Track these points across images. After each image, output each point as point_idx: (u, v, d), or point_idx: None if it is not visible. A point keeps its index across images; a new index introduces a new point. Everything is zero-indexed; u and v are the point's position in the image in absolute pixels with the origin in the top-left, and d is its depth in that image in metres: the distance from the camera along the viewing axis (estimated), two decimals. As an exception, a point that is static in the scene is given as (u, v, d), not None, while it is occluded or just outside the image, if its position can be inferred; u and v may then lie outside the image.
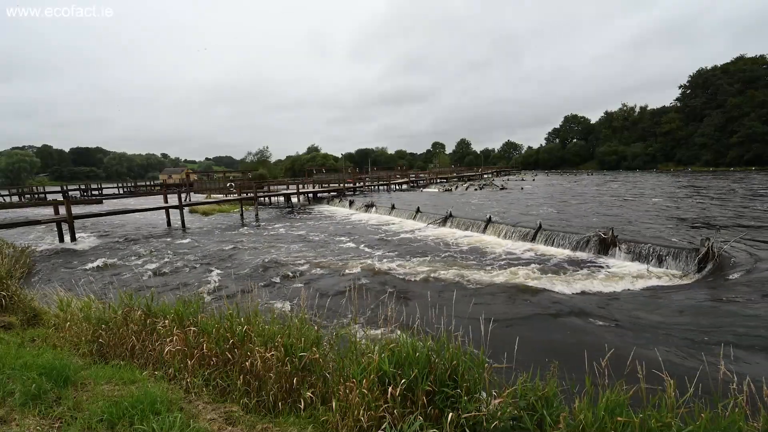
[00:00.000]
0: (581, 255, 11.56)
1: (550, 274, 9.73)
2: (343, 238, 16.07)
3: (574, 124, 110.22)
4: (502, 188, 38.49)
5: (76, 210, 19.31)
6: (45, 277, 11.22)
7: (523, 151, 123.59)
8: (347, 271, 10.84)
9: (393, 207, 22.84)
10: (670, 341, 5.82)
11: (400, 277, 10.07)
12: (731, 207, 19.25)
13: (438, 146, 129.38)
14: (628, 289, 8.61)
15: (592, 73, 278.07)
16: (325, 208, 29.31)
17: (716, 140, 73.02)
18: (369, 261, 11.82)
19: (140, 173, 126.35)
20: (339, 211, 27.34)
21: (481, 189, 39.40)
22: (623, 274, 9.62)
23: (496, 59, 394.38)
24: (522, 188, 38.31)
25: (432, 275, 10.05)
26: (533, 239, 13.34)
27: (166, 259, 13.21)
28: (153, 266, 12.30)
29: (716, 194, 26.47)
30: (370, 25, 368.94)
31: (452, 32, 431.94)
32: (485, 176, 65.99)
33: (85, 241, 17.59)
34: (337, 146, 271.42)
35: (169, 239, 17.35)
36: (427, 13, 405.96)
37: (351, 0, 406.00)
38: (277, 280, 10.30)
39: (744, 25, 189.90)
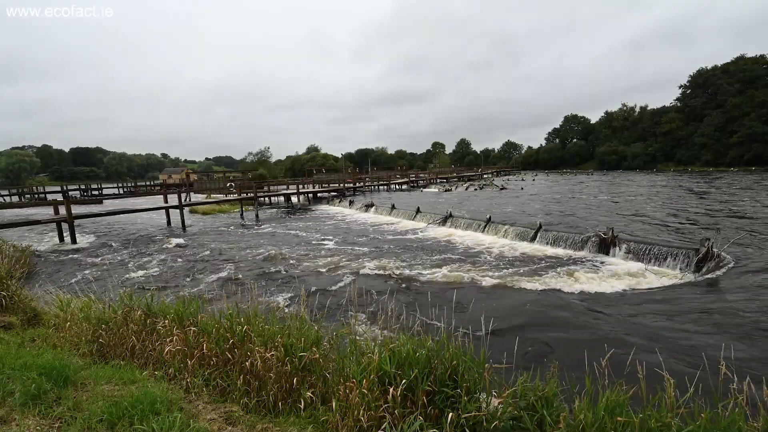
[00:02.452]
0: (581, 254, 11.56)
1: (549, 274, 9.73)
2: (343, 238, 16.07)
3: (574, 124, 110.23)
4: (502, 188, 38.49)
5: (76, 210, 19.32)
6: (45, 277, 11.22)
7: (523, 151, 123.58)
8: (348, 270, 10.84)
9: (393, 207, 22.84)
10: (670, 341, 5.82)
11: (401, 277, 10.07)
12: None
13: (438, 146, 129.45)
14: (628, 289, 8.61)
15: (592, 73, 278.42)
16: (325, 208, 29.32)
17: (716, 140, 73.05)
18: (369, 261, 11.82)
19: (140, 173, 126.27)
20: (339, 211, 27.35)
21: (481, 189, 39.41)
22: (623, 273, 9.62)
23: (496, 59, 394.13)
24: (522, 188, 38.35)
25: (432, 275, 10.05)
26: (533, 239, 13.34)
27: (166, 259, 13.22)
28: (153, 265, 12.31)
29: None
30: (371, 26, 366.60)
31: (452, 33, 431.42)
32: (485, 176, 66.00)
33: (86, 240, 17.60)
34: (337, 146, 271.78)
35: (169, 239, 17.35)
36: (427, 13, 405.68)
37: (351, 0, 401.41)
38: (276, 279, 10.31)
39: (742, 25, 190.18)
